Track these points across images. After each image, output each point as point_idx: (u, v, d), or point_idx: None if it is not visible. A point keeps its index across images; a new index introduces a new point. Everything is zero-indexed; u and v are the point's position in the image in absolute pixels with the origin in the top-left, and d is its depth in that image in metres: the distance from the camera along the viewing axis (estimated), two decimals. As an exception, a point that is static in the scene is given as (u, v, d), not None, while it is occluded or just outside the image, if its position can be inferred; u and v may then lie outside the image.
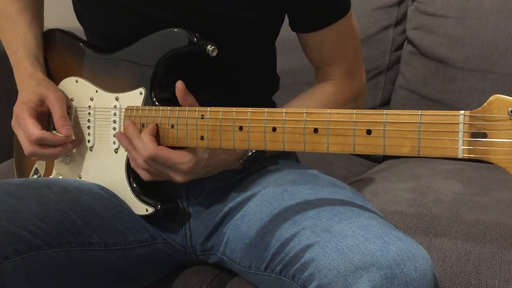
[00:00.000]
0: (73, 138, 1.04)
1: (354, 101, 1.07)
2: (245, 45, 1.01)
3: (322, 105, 1.01)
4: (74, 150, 1.07)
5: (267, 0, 0.97)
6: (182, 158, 0.90)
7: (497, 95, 0.68)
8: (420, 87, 1.59)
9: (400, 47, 1.67)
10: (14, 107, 1.03)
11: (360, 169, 1.53)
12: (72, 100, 1.08)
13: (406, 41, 1.66)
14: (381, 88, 1.67)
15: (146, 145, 0.91)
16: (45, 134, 1.00)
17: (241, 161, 0.98)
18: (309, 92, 1.06)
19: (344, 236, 0.78)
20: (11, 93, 1.11)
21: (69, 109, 1.08)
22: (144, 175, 0.95)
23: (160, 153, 0.90)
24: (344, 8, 1.01)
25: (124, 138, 0.96)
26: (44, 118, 1.06)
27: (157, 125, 0.93)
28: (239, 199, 0.97)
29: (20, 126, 1.02)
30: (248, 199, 0.96)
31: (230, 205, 0.98)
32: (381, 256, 0.74)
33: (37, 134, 0.99)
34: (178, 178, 0.92)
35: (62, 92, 1.06)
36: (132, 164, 0.96)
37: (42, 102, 1.04)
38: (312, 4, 0.99)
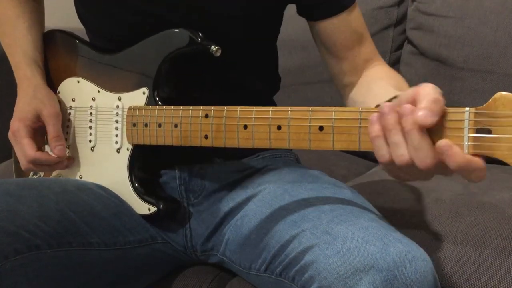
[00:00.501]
0: (67, 156, 1.06)
1: None
2: (246, 44, 1.01)
3: (397, 80, 0.98)
4: (74, 151, 1.07)
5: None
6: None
7: (502, 92, 0.69)
8: (420, 87, 1.59)
9: (400, 47, 1.67)
10: (12, 120, 1.05)
11: (361, 169, 1.53)
12: (73, 100, 1.08)
13: (406, 41, 1.66)
14: (381, 88, 1.67)
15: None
16: (39, 155, 1.02)
17: None
18: (376, 76, 1.00)
19: (344, 238, 0.78)
20: (11, 93, 1.11)
21: (70, 110, 1.08)
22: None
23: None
24: None
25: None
26: (41, 133, 1.07)
27: None
28: (239, 199, 0.97)
29: (16, 143, 1.04)
30: (248, 199, 0.96)
31: (231, 205, 0.98)
32: (381, 258, 0.73)
33: (32, 156, 1.02)
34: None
35: (59, 103, 1.07)
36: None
37: (37, 117, 1.05)
38: None
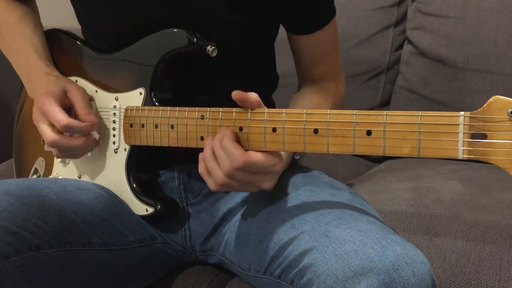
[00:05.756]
0: (97, 126, 1.01)
1: (343, 96, 1.13)
2: (244, 47, 1.01)
3: (329, 101, 1.05)
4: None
5: (264, 5, 0.98)
6: (273, 160, 0.83)
7: (497, 96, 0.68)
8: (420, 87, 1.59)
9: (400, 47, 1.67)
10: (36, 100, 1.00)
11: (360, 169, 1.53)
12: (72, 100, 1.08)
13: (406, 41, 1.67)
14: (381, 88, 1.67)
15: (233, 154, 0.82)
16: (72, 121, 0.97)
17: (296, 156, 0.98)
18: (316, 90, 1.07)
19: (342, 241, 0.78)
20: (10, 94, 1.11)
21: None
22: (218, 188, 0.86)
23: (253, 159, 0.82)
24: (334, 10, 1.06)
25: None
26: (66, 111, 1.01)
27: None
28: (238, 200, 0.98)
29: (43, 116, 0.98)
30: (247, 200, 0.96)
31: (229, 206, 0.98)
32: (378, 261, 0.74)
33: (65, 121, 0.96)
34: (268, 183, 0.85)
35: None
36: (211, 186, 0.86)
37: (65, 94, 1.01)
38: (308, 5, 1.01)
